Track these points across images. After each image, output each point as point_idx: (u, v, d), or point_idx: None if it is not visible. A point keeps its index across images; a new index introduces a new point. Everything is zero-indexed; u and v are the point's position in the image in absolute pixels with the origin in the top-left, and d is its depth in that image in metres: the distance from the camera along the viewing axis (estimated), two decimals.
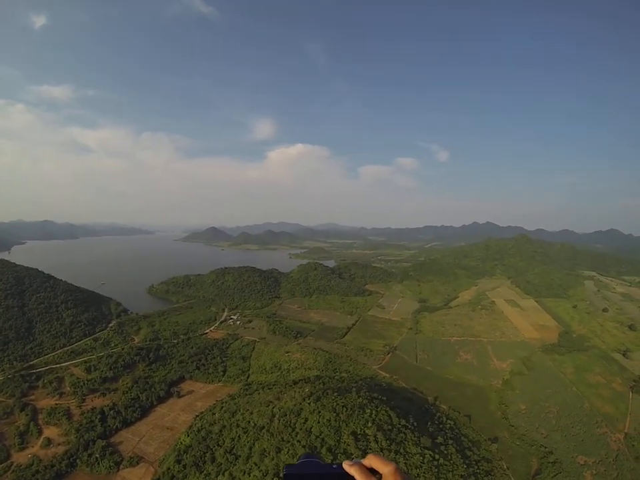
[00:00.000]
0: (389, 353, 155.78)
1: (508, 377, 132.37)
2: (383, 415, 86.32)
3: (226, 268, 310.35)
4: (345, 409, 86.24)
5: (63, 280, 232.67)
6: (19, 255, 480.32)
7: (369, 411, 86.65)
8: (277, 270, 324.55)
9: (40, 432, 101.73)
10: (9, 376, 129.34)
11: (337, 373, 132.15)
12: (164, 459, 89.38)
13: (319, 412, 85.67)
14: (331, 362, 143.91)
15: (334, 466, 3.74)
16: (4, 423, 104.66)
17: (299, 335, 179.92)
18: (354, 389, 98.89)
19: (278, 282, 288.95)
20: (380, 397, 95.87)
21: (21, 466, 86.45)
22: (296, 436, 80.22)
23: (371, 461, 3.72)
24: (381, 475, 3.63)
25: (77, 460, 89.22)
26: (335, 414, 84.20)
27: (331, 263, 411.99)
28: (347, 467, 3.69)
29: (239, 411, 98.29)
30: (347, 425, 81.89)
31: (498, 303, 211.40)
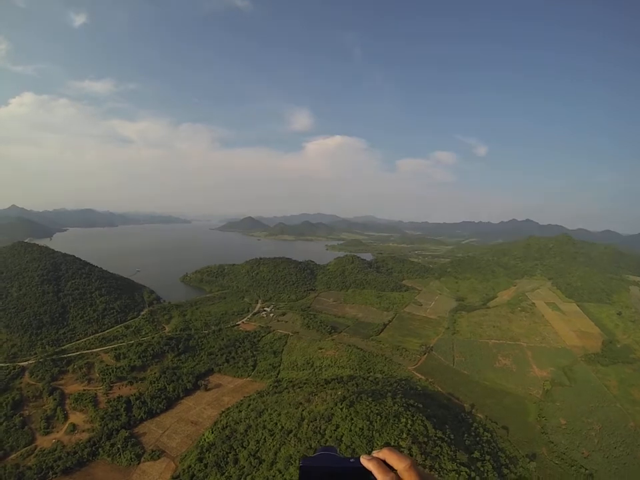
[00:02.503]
0: (425, 353, 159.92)
1: (549, 387, 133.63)
2: (418, 424, 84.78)
3: (261, 258, 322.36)
4: (379, 417, 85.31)
5: (98, 267, 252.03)
6: (60, 242, 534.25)
7: (404, 420, 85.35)
8: (313, 262, 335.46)
9: (66, 417, 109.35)
10: (41, 359, 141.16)
11: (371, 373, 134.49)
12: (186, 455, 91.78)
13: (352, 419, 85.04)
14: (365, 360, 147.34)
15: (351, 460, 3.91)
16: (32, 406, 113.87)
17: (333, 330, 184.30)
18: (389, 394, 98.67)
19: (314, 274, 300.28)
20: (416, 403, 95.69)
21: (44, 450, 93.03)
22: (325, 444, 78.19)
23: (386, 455, 3.84)
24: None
25: (99, 449, 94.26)
26: (368, 422, 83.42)
27: (367, 256, 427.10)
28: (365, 461, 3.82)
29: (267, 410, 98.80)
30: (380, 435, 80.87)
31: (538, 305, 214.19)
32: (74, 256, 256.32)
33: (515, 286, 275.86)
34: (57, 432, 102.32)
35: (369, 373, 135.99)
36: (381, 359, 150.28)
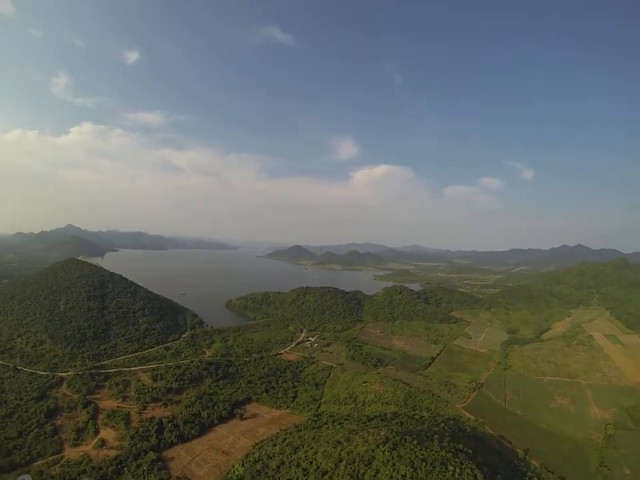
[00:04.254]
0: (474, 390, 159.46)
1: (611, 431, 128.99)
2: (468, 474, 79.77)
3: (307, 287, 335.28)
4: (424, 463, 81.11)
5: (144, 287, 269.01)
6: (110, 261, 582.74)
7: (452, 468, 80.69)
8: (360, 292, 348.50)
9: (97, 432, 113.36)
10: (80, 372, 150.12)
11: (417, 411, 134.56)
12: None
13: (394, 464, 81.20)
14: (411, 397, 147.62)
15: None
16: (65, 416, 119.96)
17: (379, 363, 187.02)
18: (436, 436, 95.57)
19: (361, 304, 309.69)
20: (465, 448, 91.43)
21: (70, 461, 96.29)
22: None
23: None
24: None
25: (125, 468, 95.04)
26: (412, 469, 79.47)
27: (415, 286, 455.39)
28: None
29: (303, 447, 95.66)
30: None
31: (596, 338, 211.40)
32: (121, 275, 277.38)
33: (570, 317, 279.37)
34: (86, 445, 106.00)
35: (414, 410, 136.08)
36: (427, 396, 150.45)
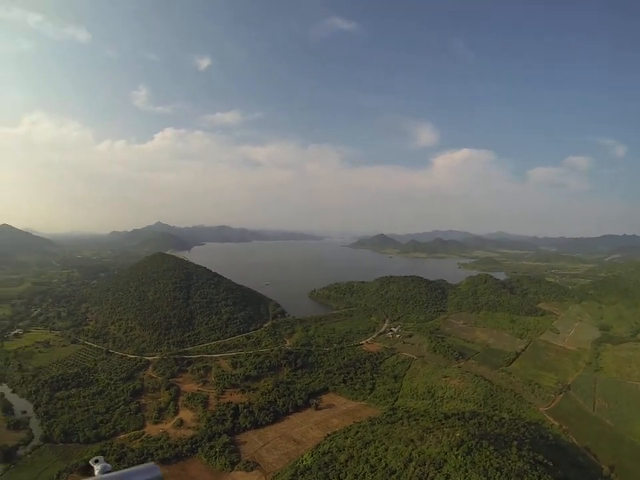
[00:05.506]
0: (560, 393, 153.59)
1: None
2: None
3: (391, 276, 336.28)
4: (499, 473, 76.96)
5: (227, 278, 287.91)
6: (196, 255, 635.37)
7: None
8: (444, 281, 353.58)
9: (176, 412, 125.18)
10: (165, 357, 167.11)
11: (497, 412, 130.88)
12: (279, 474, 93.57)
13: (466, 471, 77.88)
14: (492, 395, 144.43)
15: None
16: (149, 396, 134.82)
17: (460, 357, 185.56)
18: (515, 443, 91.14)
19: (445, 294, 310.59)
20: (545, 460, 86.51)
21: (149, 437, 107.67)
22: None
23: None
24: None
25: (199, 448, 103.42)
26: (485, 478, 75.41)
27: (500, 275, 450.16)
28: None
29: (374, 442, 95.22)
30: None
31: None
32: (205, 267, 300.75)
33: None
34: (165, 424, 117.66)
35: (494, 410, 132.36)
36: (509, 395, 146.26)
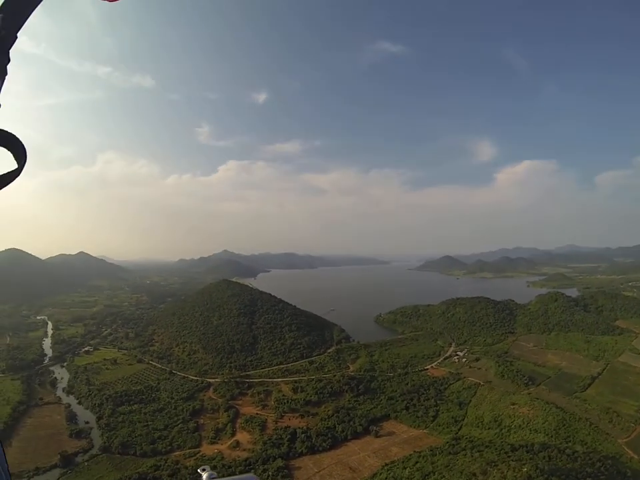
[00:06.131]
0: None
1: None
2: None
3: (458, 298, 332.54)
4: None
5: (292, 304, 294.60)
6: (262, 282, 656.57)
7: None
8: (512, 301, 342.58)
9: (233, 434, 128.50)
10: (226, 380, 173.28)
11: (570, 444, 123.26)
12: None
13: None
14: (564, 425, 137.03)
15: None
16: (208, 417, 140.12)
17: (530, 382, 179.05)
18: None
19: (513, 315, 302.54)
20: None
21: (204, 456, 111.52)
22: None
23: None
24: None
25: (252, 470, 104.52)
26: None
27: (572, 292, 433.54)
28: None
29: (433, 474, 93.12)
30: None
31: None
32: (270, 294, 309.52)
33: None
34: (221, 444, 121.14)
35: (566, 442, 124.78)
36: (584, 425, 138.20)
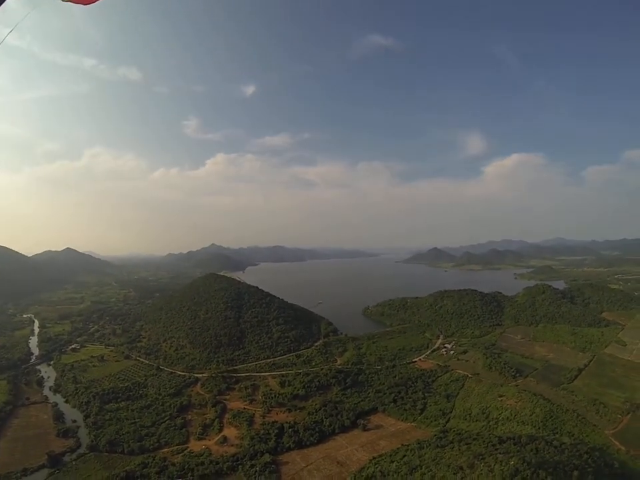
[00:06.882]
0: (628, 413, 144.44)
1: None
2: None
3: (445, 291, 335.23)
4: None
5: (279, 298, 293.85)
6: (250, 275, 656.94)
7: None
8: (500, 293, 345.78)
9: (221, 429, 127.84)
10: (213, 374, 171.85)
11: (557, 435, 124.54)
12: None
13: None
14: (551, 417, 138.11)
15: None
16: (195, 412, 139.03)
17: (518, 374, 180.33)
18: (575, 472, 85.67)
19: (501, 307, 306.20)
20: None
21: (192, 453, 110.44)
22: None
23: None
24: None
25: (240, 466, 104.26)
26: None
27: (559, 284, 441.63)
28: None
29: (420, 467, 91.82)
30: None
31: None
32: (257, 287, 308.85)
33: None
34: (209, 440, 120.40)
35: (554, 433, 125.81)
36: (571, 416, 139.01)
